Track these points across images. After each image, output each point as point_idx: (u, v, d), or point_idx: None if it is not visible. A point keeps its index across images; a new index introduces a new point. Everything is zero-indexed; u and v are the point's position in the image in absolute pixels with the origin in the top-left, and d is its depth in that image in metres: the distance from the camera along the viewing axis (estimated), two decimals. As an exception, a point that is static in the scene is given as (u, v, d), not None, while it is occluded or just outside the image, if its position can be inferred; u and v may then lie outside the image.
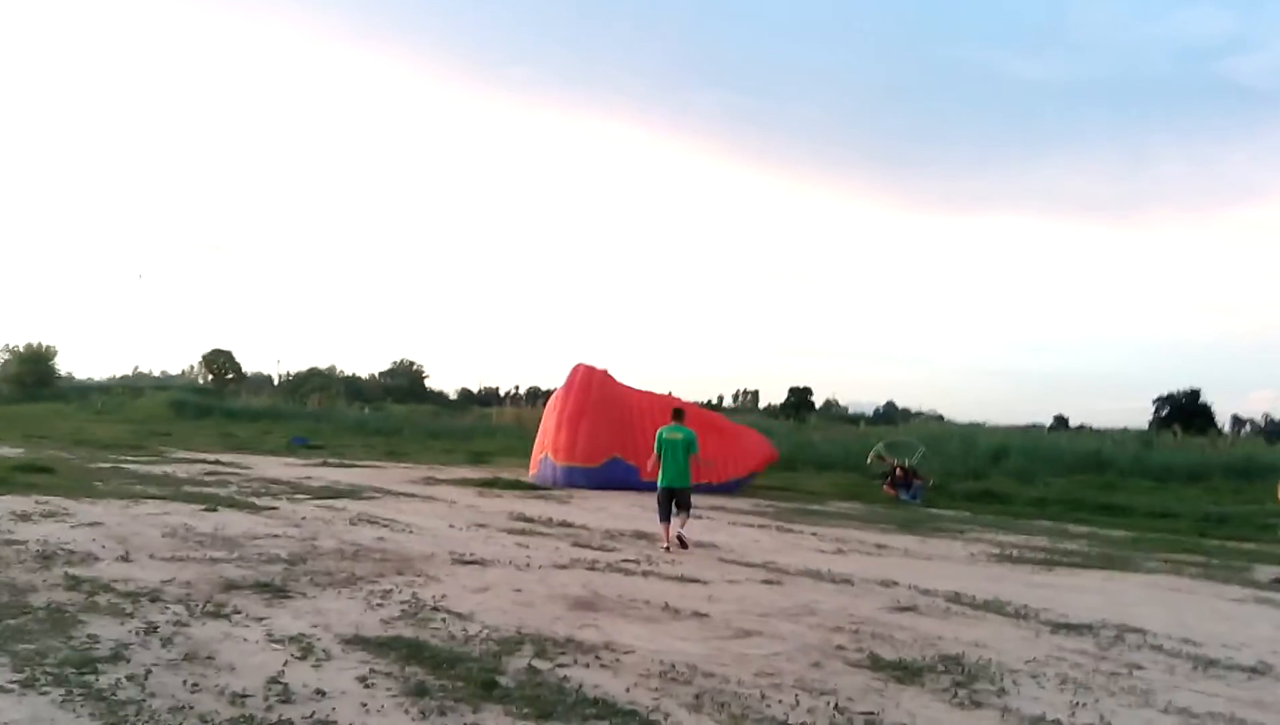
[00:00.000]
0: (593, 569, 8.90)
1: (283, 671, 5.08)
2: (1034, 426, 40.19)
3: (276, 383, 66.74)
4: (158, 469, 17.55)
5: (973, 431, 30.09)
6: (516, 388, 68.48)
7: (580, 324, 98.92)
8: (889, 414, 59.60)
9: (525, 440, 22.82)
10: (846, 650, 6.18)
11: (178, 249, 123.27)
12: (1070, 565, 10.98)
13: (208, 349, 70.26)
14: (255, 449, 25.43)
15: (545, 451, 19.00)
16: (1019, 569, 10.50)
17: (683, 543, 10.58)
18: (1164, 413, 46.17)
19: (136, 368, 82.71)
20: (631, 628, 6.52)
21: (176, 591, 6.94)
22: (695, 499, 11.48)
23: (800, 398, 62.53)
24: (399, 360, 75.55)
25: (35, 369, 52.75)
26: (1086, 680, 5.77)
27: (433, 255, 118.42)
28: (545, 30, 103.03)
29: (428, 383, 72.80)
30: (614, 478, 17.76)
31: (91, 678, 4.80)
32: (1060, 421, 47.86)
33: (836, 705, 4.98)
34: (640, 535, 11.47)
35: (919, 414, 53.52)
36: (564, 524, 12.33)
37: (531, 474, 19.29)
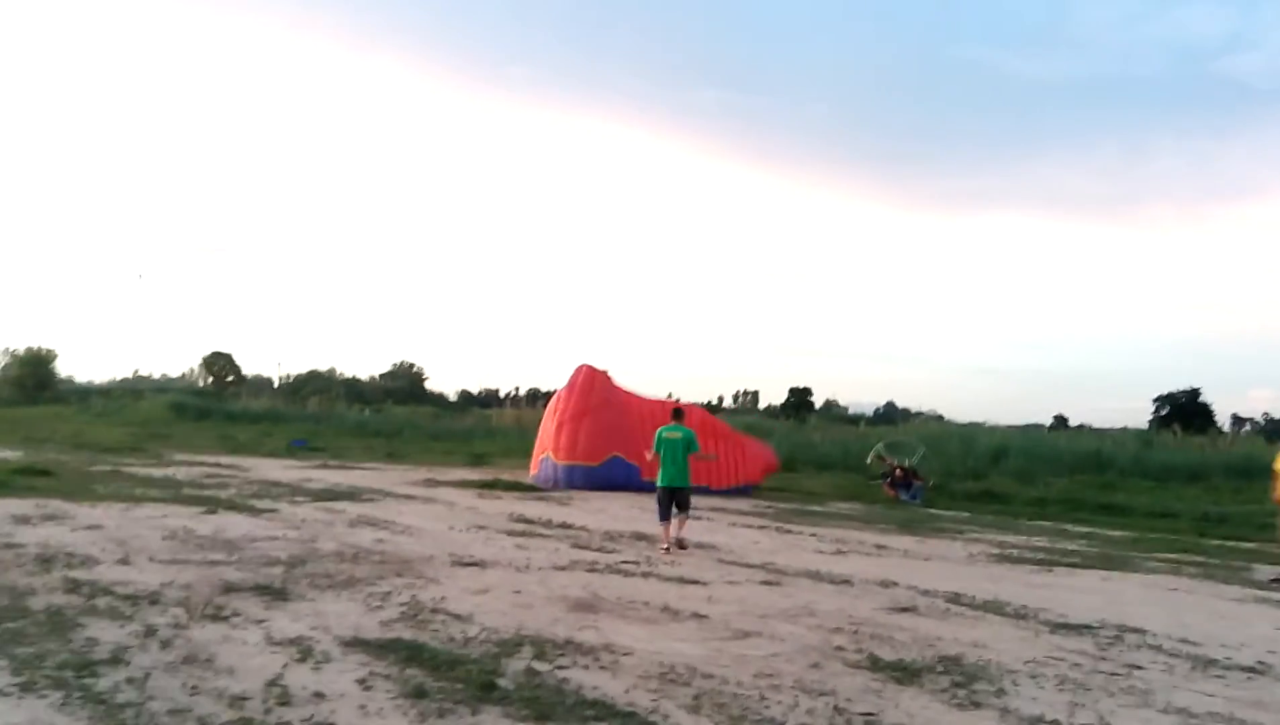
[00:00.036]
0: (592, 570, 8.90)
1: (282, 674, 5.08)
2: (1034, 426, 40.27)
3: (276, 385, 66.78)
4: (157, 472, 17.55)
5: (972, 431, 30.10)
6: (516, 389, 68.52)
7: (580, 325, 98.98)
8: (889, 414, 59.63)
9: (525, 442, 22.82)
10: (846, 651, 6.18)
11: (177, 251, 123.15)
12: (1070, 565, 10.99)
13: (208, 352, 70.35)
14: (255, 451, 25.42)
15: (546, 451, 19.01)
16: (1018, 569, 10.51)
17: (681, 544, 10.59)
18: (1164, 412, 46.21)
19: (136, 371, 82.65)
20: (631, 629, 6.53)
21: (176, 594, 6.94)
22: (695, 500, 11.48)
23: (800, 398, 62.59)
24: (399, 362, 75.66)
25: (35, 372, 52.71)
26: (1085, 680, 5.77)
27: (432, 257, 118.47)
28: (545, 30, 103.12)
29: (428, 385, 72.88)
30: (615, 476, 17.78)
31: (90, 681, 4.80)
32: (1060, 421, 47.99)
33: (835, 706, 4.98)
34: (640, 537, 11.47)
35: (919, 414, 53.60)
36: (563, 525, 12.34)
37: (532, 475, 19.31)
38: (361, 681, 5.02)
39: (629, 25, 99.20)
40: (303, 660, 5.37)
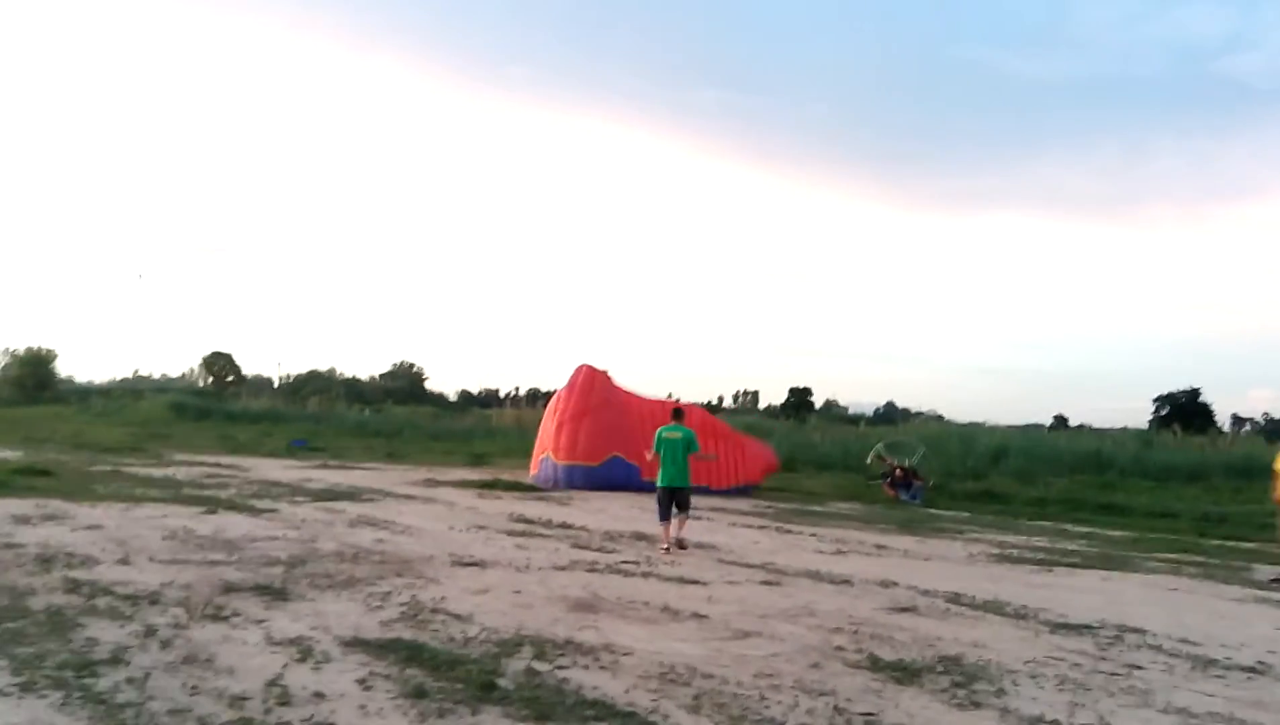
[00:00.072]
0: (592, 570, 8.90)
1: (282, 674, 5.08)
2: (1034, 426, 40.26)
3: (276, 385, 66.79)
4: (157, 472, 17.55)
5: (972, 431, 30.10)
6: (516, 389, 68.52)
7: (580, 325, 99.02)
8: (889, 414, 59.63)
9: (525, 442, 22.82)
10: (846, 651, 6.18)
11: (177, 251, 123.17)
12: (1070, 565, 10.98)
13: (208, 352, 70.36)
14: (255, 451, 25.42)
15: (546, 451, 19.01)
16: (1018, 569, 10.50)
17: (681, 544, 10.59)
18: (1164, 412, 46.21)
19: (136, 371, 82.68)
20: (631, 629, 6.53)
21: (176, 594, 6.94)
22: (695, 500, 11.48)
23: (800, 398, 62.59)
24: (399, 362, 75.68)
25: (35, 372, 52.71)
26: (1085, 680, 5.77)
27: (432, 257, 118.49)
28: (545, 30, 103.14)
29: (428, 385, 72.89)
30: (615, 476, 17.77)
31: (90, 681, 4.80)
32: (1060, 421, 47.98)
33: (835, 706, 4.98)
34: (639, 537, 11.47)
35: (919, 414, 53.61)
36: (563, 525, 12.33)
37: (532, 475, 19.31)
38: (361, 681, 5.02)
39: (629, 25, 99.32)
40: (303, 660, 5.37)
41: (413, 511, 13.18)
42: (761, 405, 69.94)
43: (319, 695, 4.77)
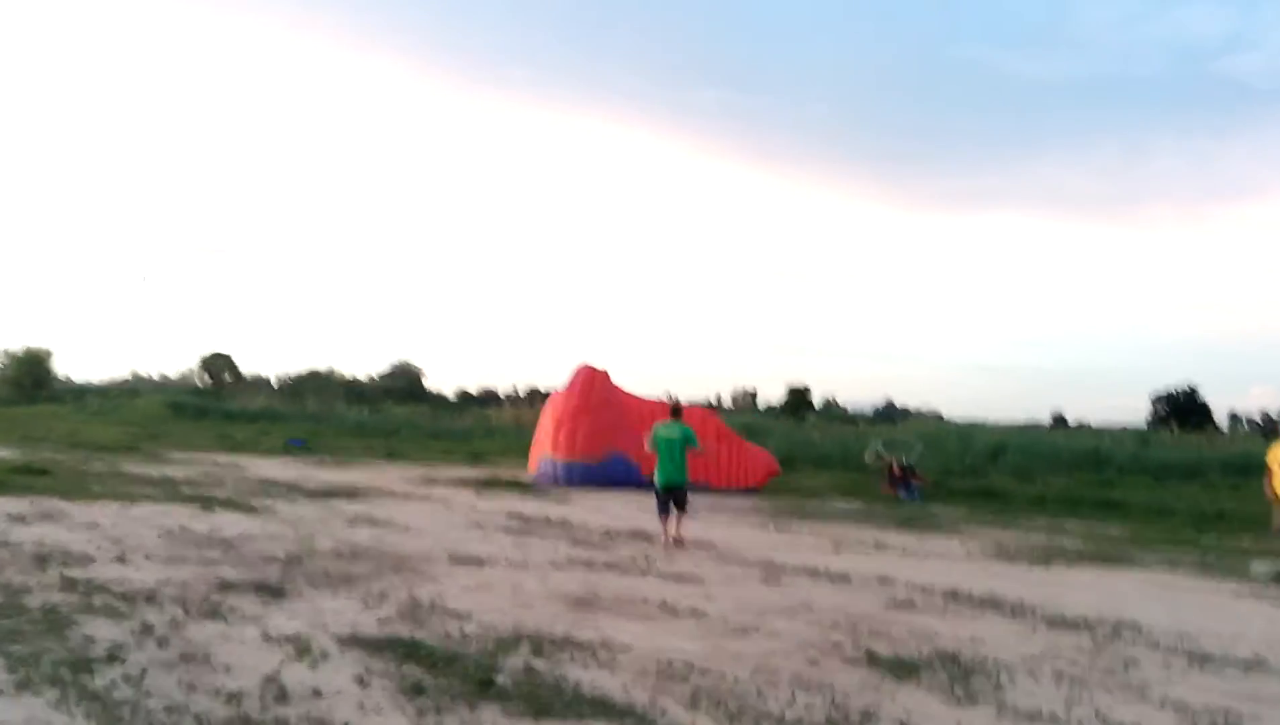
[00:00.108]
0: (590, 568, 8.90)
1: (279, 671, 5.08)
2: (1032, 424, 40.28)
3: (275, 385, 66.78)
4: (154, 470, 17.53)
5: (971, 430, 30.11)
6: (515, 388, 68.54)
7: (579, 324, 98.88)
8: (888, 413, 59.61)
9: (524, 440, 22.81)
10: (843, 647, 6.19)
11: (175, 251, 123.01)
12: (1067, 561, 10.99)
13: (206, 352, 70.28)
14: (253, 450, 25.39)
15: (545, 449, 19.00)
16: (1016, 566, 10.51)
17: (680, 542, 10.59)
18: (1162, 410, 46.27)
19: (134, 370, 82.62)
20: (629, 626, 6.53)
21: (172, 592, 6.93)
22: (693, 498, 11.48)
23: (799, 397, 62.50)
24: (397, 362, 75.60)
25: (32, 371, 52.66)
26: (1082, 675, 5.78)
27: (431, 256, 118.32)
28: (545, 30, 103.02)
29: (426, 384, 72.82)
30: (615, 473, 17.74)
31: (87, 679, 4.80)
32: (1058, 419, 47.98)
33: (833, 702, 4.99)
34: (638, 534, 11.47)
35: (917, 412, 53.66)
36: (562, 523, 12.33)
37: (531, 473, 19.30)
38: (359, 678, 5.02)
39: (629, 25, 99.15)
40: (300, 657, 5.37)
41: (411, 509, 13.17)
42: (760, 404, 69.86)
43: (316, 692, 4.76)
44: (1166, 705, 5.27)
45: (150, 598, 6.71)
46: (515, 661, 5.45)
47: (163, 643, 5.54)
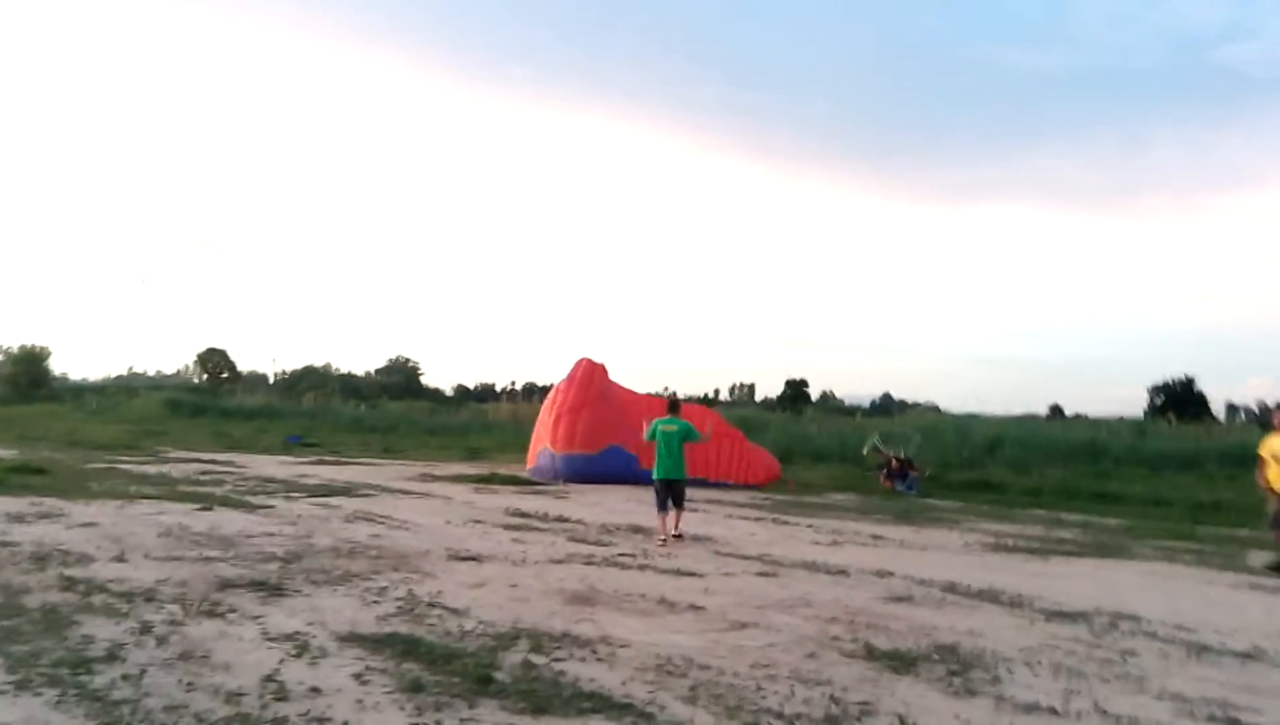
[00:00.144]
0: (589, 563, 8.91)
1: (278, 669, 5.08)
2: (1029, 416, 40.29)
3: (272, 381, 66.70)
4: (152, 469, 17.53)
5: (968, 422, 30.13)
6: (513, 383, 68.60)
7: (577, 318, 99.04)
8: (885, 405, 59.71)
9: (522, 436, 22.81)
10: (842, 641, 6.20)
11: (174, 249, 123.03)
12: (1064, 554, 11.01)
13: (202, 348, 70.22)
14: (250, 448, 25.40)
15: (544, 443, 19.01)
16: (1014, 558, 10.53)
17: (678, 537, 10.60)
18: (1159, 401, 46.29)
19: (131, 368, 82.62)
20: (627, 621, 6.53)
21: (171, 591, 6.93)
22: (692, 493, 11.49)
23: (797, 390, 62.58)
24: (395, 357, 75.60)
25: (29, 370, 52.62)
26: (1080, 667, 5.79)
27: (429, 252, 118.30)
28: (545, 28, 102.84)
29: (424, 380, 72.83)
30: (614, 465, 17.74)
31: (86, 678, 4.79)
32: (1055, 411, 48.00)
33: (832, 695, 5.00)
34: (636, 529, 11.48)
35: (915, 405, 53.69)
36: (560, 519, 12.34)
37: (529, 468, 19.30)
38: (358, 676, 5.02)
39: (629, 23, 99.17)
40: (299, 655, 5.37)
41: (409, 506, 13.18)
42: (758, 397, 69.99)
43: (315, 690, 4.77)
44: (1164, 696, 5.29)
45: (149, 596, 6.71)
46: (514, 658, 5.45)
47: (162, 641, 5.54)
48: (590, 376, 19.08)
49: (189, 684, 4.78)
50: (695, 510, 12.62)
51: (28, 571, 7.47)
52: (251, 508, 12.17)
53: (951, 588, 8.27)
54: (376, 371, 73.69)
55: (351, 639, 5.76)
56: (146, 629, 5.79)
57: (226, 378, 66.37)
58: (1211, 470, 20.72)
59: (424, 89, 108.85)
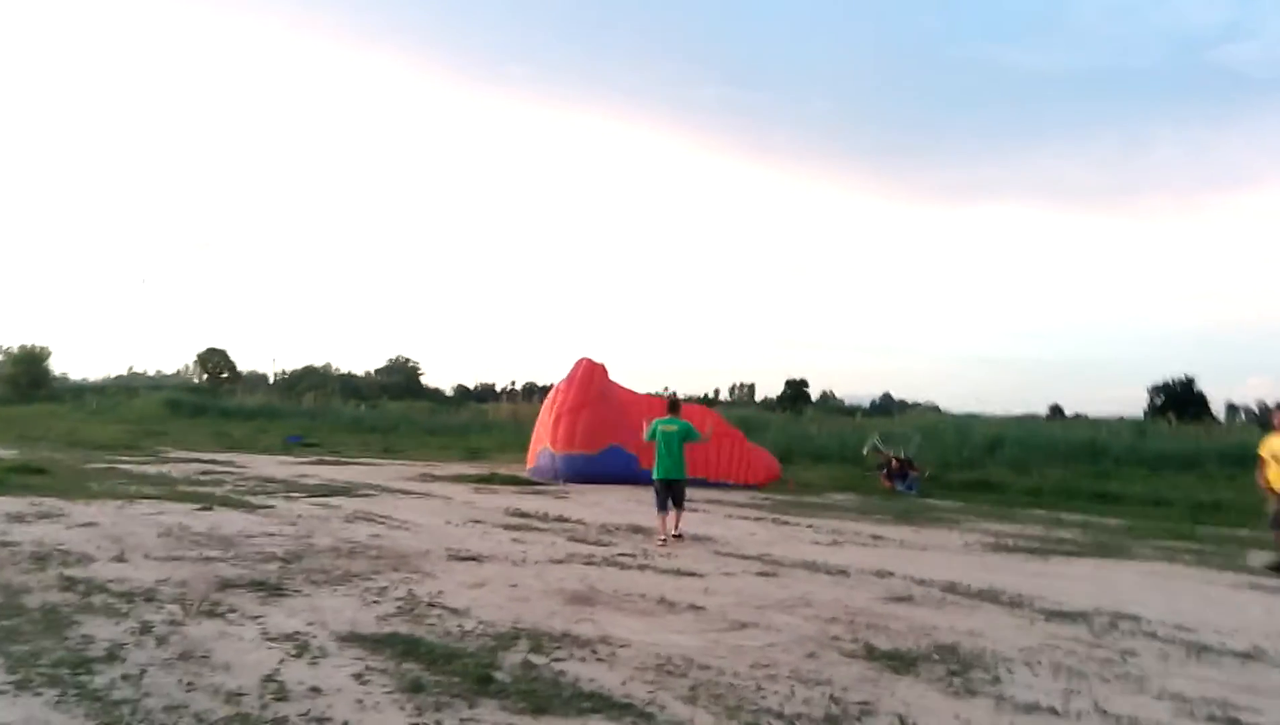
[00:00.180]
0: (589, 563, 8.91)
1: (278, 669, 5.08)
2: (1029, 416, 40.28)
3: (272, 381, 66.72)
4: (152, 469, 17.53)
5: (968, 422, 30.11)
6: (513, 384, 68.61)
7: (578, 318, 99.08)
8: (885, 405, 59.70)
9: (522, 436, 22.80)
10: (842, 641, 6.20)
11: (172, 248, 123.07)
12: (1064, 554, 11.01)
13: (202, 348, 70.23)
14: (250, 448, 25.40)
15: (544, 443, 19.00)
16: (1014, 558, 10.53)
17: (678, 537, 10.60)
18: (1159, 401, 46.27)
19: (131, 368, 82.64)
20: (627, 621, 6.53)
21: (171, 591, 6.94)
22: (692, 492, 11.49)
23: (797, 390, 62.58)
24: (395, 357, 75.60)
25: (29, 370, 52.63)
26: (1080, 667, 5.79)
27: (429, 252, 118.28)
28: (545, 28, 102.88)
29: (424, 380, 72.83)
30: (614, 465, 17.73)
31: (86, 678, 4.79)
32: (1055, 411, 48.00)
33: (832, 695, 5.00)
34: (636, 529, 11.48)
35: (915, 405, 53.68)
36: (560, 519, 12.34)
37: (529, 468, 19.30)
38: (358, 676, 5.02)
39: (629, 23, 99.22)
40: (299, 655, 5.37)
41: (409, 506, 13.18)
42: (758, 397, 70.00)
43: (315, 690, 4.77)
44: (1164, 696, 5.29)
45: (149, 596, 6.71)
46: (514, 658, 5.45)
47: (162, 641, 5.54)
48: (590, 376, 19.08)
49: (189, 684, 4.78)
50: (695, 510, 12.62)
51: (28, 571, 7.47)
52: (251, 508, 12.17)
53: (951, 588, 8.27)
54: (376, 371, 73.72)
55: (351, 639, 5.76)
56: (146, 629, 5.79)
57: (226, 378, 66.39)
58: (1211, 470, 20.71)
59: (424, 89, 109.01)
